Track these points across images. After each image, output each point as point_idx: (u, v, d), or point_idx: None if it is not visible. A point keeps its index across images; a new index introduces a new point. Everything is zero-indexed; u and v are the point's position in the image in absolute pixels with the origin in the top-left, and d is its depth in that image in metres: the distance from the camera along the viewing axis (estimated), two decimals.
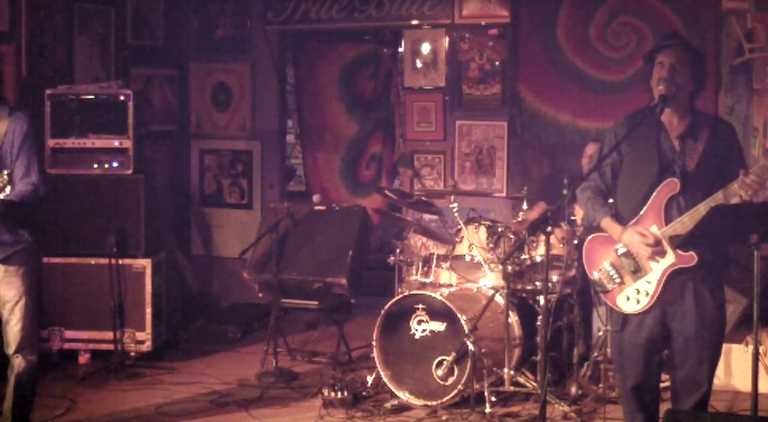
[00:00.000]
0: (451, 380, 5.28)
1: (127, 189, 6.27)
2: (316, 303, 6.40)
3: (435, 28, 7.53)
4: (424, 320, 5.42)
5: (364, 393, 5.53)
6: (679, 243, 3.81)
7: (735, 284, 5.66)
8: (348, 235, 6.36)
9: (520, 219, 5.67)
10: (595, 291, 4.16)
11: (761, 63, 6.50)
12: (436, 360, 5.34)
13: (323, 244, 6.37)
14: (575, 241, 5.45)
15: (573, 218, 5.65)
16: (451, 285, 5.67)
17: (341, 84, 8.16)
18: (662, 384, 4.27)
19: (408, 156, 7.68)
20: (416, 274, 5.79)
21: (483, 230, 5.65)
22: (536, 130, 7.24)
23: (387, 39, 8.34)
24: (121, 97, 6.27)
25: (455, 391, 5.22)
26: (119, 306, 6.15)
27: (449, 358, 5.27)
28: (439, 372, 5.31)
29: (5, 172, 4.18)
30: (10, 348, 4.56)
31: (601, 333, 5.55)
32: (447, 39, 7.49)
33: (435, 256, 5.77)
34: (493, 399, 5.23)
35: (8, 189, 4.19)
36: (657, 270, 3.89)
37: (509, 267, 5.41)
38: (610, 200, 4.10)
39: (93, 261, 6.22)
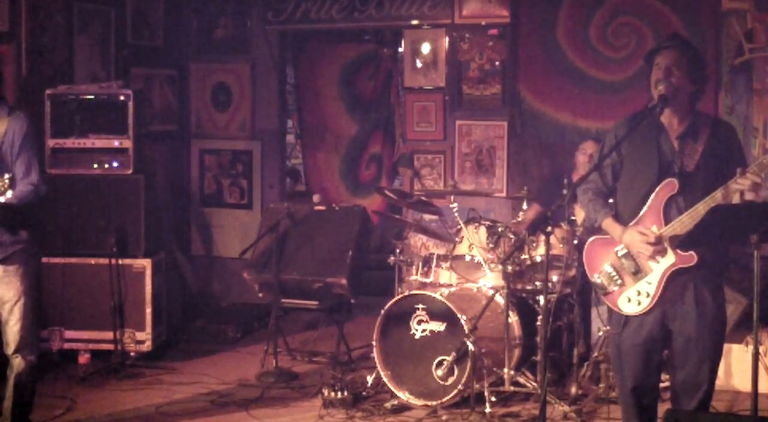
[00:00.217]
0: (451, 380, 5.28)
1: (127, 189, 6.27)
2: (316, 303, 6.40)
3: (435, 28, 7.53)
4: (424, 320, 5.42)
5: (364, 393, 5.53)
6: (679, 243, 3.82)
7: (735, 284, 5.66)
8: (348, 235, 6.36)
9: (519, 219, 5.67)
10: (596, 293, 4.16)
11: (761, 63, 6.50)
12: (436, 360, 5.34)
13: (323, 244, 6.37)
14: (575, 241, 5.45)
15: (573, 218, 5.65)
16: (451, 285, 5.66)
17: (341, 84, 8.16)
18: (662, 385, 4.27)
19: (408, 156, 7.68)
20: (416, 274, 5.79)
21: (483, 230, 5.66)
22: (536, 130, 7.24)
23: (387, 39, 8.34)
24: (121, 97, 6.27)
25: (455, 391, 5.22)
26: (119, 306, 6.15)
27: (449, 358, 5.27)
28: (439, 372, 5.31)
29: (7, 175, 4.18)
30: (10, 349, 4.56)
31: (601, 333, 5.55)
32: (447, 39, 7.49)
33: (435, 256, 5.77)
34: (493, 399, 5.23)
35: (9, 193, 4.19)
36: (657, 270, 3.89)
37: (509, 267, 5.42)
38: (611, 201, 4.10)
39: (93, 261, 6.22)
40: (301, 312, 6.99)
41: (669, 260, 3.87)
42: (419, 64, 7.60)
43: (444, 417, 5.21)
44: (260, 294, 6.50)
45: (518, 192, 6.00)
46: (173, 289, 6.92)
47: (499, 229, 5.60)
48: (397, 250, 6.01)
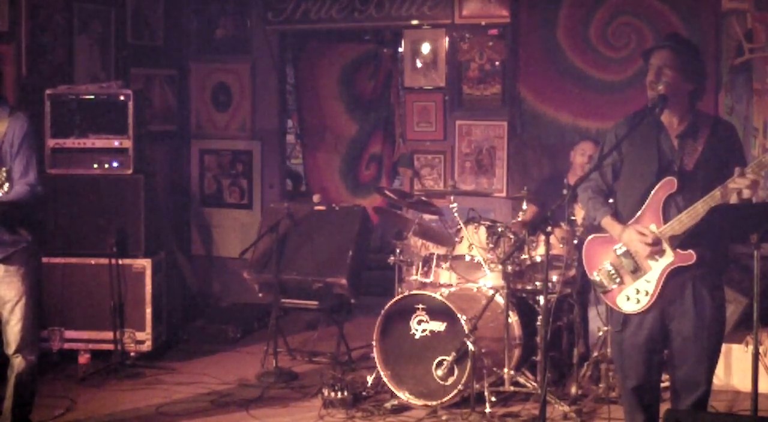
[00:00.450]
0: (451, 380, 5.28)
1: (127, 189, 6.27)
2: (316, 303, 6.40)
3: (435, 28, 7.53)
4: (424, 320, 5.42)
5: (364, 393, 5.52)
6: (679, 243, 3.82)
7: (735, 284, 5.66)
8: (348, 235, 6.36)
9: (519, 219, 5.67)
10: (596, 291, 4.16)
11: (761, 63, 6.50)
12: (436, 360, 5.33)
13: (323, 244, 6.37)
14: (575, 241, 5.45)
15: (573, 218, 5.65)
16: (451, 285, 5.66)
17: (341, 84, 8.16)
18: (662, 384, 4.27)
19: (408, 156, 7.68)
20: (416, 274, 5.79)
21: (483, 230, 5.66)
22: (536, 130, 7.24)
23: (387, 39, 8.34)
24: (121, 97, 6.27)
25: (455, 391, 5.22)
26: (119, 306, 6.15)
27: (449, 358, 5.27)
28: (439, 372, 5.31)
29: (3, 169, 4.19)
30: (10, 349, 4.56)
31: (601, 333, 5.55)
32: (447, 39, 7.49)
33: (435, 256, 5.77)
34: (493, 399, 5.23)
35: (6, 186, 4.20)
36: (656, 269, 3.90)
37: (509, 267, 5.42)
38: (611, 200, 4.11)
39: (93, 261, 6.22)
40: (301, 312, 6.98)
41: (668, 259, 3.87)
42: (419, 64, 7.60)
43: (444, 417, 5.21)
44: (260, 294, 6.50)
45: (518, 192, 6.00)
46: (173, 289, 6.92)
47: (499, 229, 5.60)
48: (397, 250, 6.01)
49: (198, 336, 6.93)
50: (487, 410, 5.15)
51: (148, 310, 6.25)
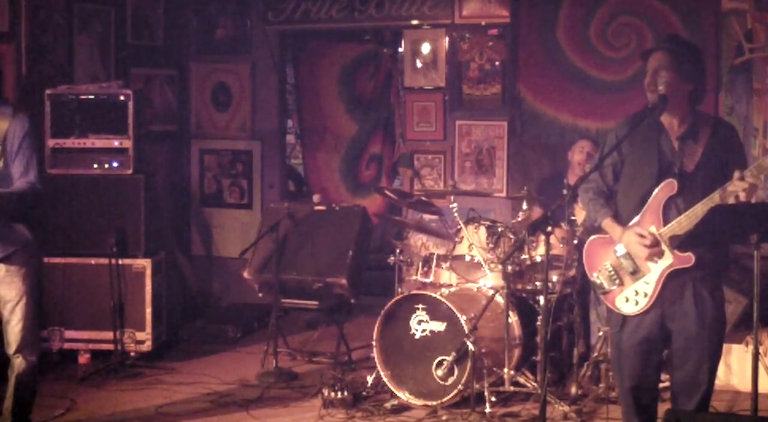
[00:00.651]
0: (451, 380, 5.28)
1: (127, 189, 6.27)
2: (316, 303, 6.40)
3: (435, 28, 7.53)
4: (424, 320, 5.42)
5: (364, 393, 5.52)
6: (679, 243, 3.82)
7: (735, 284, 5.67)
8: (348, 235, 6.36)
9: (520, 219, 5.67)
10: (595, 292, 4.16)
11: (761, 63, 6.50)
12: (436, 360, 5.34)
13: (323, 244, 6.37)
14: (575, 241, 5.46)
15: (573, 218, 5.65)
16: (451, 285, 5.66)
17: (341, 84, 8.16)
18: (662, 385, 4.27)
19: (408, 156, 7.67)
20: (416, 274, 5.78)
21: (483, 230, 5.66)
22: (536, 130, 7.24)
23: (387, 39, 8.34)
24: (121, 97, 6.27)
25: (455, 391, 5.22)
26: (119, 306, 6.15)
27: (449, 358, 5.27)
28: (439, 372, 5.31)
29: None
30: (11, 349, 4.56)
31: (601, 334, 5.55)
32: (447, 39, 7.49)
33: (435, 256, 5.77)
34: (493, 399, 5.23)
35: (1, 162, 4.23)
36: (655, 271, 3.90)
37: (509, 267, 5.42)
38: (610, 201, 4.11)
39: (93, 261, 6.22)
40: (301, 312, 6.98)
41: (667, 261, 3.88)
42: (419, 64, 7.60)
43: (444, 417, 5.21)
44: (260, 294, 6.50)
45: (518, 192, 6.00)
46: (173, 289, 6.92)
47: (499, 229, 5.60)
48: (397, 250, 6.01)
49: (198, 336, 6.94)
50: (487, 410, 5.15)
51: (148, 310, 6.25)
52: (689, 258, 3.83)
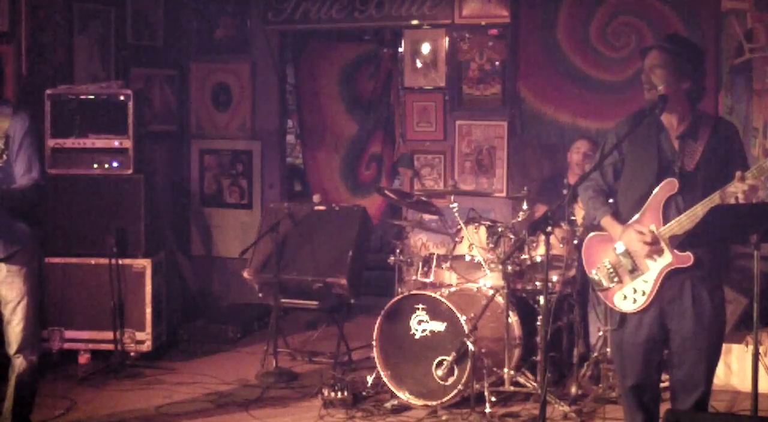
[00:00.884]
0: (451, 380, 5.28)
1: (127, 189, 6.27)
2: (316, 303, 6.40)
3: (435, 28, 7.53)
4: (424, 320, 5.42)
5: (364, 393, 5.53)
6: (679, 243, 3.82)
7: (735, 284, 5.66)
8: (348, 235, 6.36)
9: (520, 219, 5.67)
10: (594, 290, 4.17)
11: (761, 63, 6.50)
12: (436, 360, 5.33)
13: (323, 244, 6.37)
14: (575, 241, 5.45)
15: (573, 218, 5.65)
16: (451, 285, 5.66)
17: (341, 84, 8.16)
18: (662, 384, 4.27)
19: (408, 156, 7.67)
20: (416, 274, 5.79)
21: (483, 230, 5.65)
22: (536, 130, 7.24)
23: (387, 39, 8.33)
24: (121, 97, 6.28)
25: (455, 391, 5.22)
26: (119, 306, 6.15)
27: (449, 358, 5.27)
28: (439, 372, 5.31)
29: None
30: (12, 349, 4.56)
31: (601, 333, 5.55)
32: (447, 39, 7.49)
33: (435, 256, 5.77)
34: (493, 399, 5.23)
35: (5, 156, 4.23)
36: (654, 269, 3.90)
37: (509, 267, 5.42)
38: (611, 200, 4.11)
39: (93, 261, 6.22)
40: (301, 312, 6.99)
41: (666, 259, 3.88)
42: (419, 64, 7.60)
43: (444, 417, 5.21)
44: (260, 294, 6.50)
45: (518, 192, 6.00)
46: (173, 289, 6.92)
47: (499, 229, 5.60)
48: (397, 250, 6.01)
49: (198, 336, 6.94)
50: (487, 410, 5.15)
51: (148, 310, 6.25)
52: (688, 258, 3.83)
